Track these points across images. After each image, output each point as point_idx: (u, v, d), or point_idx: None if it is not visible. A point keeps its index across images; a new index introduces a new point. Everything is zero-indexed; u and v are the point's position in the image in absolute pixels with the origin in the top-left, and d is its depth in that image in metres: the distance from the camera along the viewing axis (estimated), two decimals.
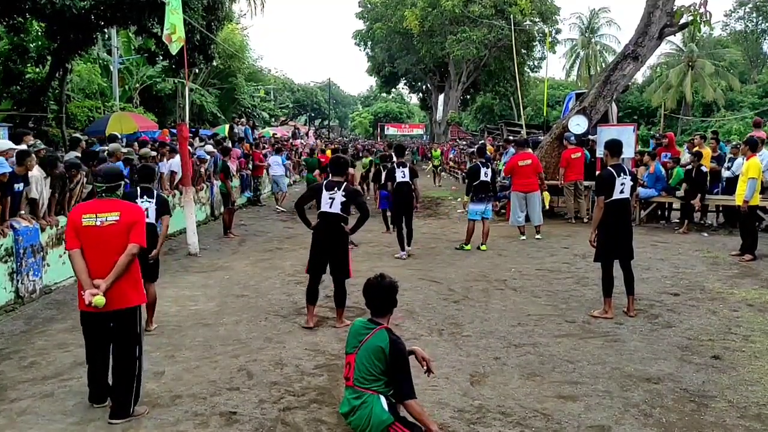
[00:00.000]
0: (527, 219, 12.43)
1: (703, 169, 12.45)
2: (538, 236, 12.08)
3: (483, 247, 11.00)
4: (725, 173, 12.96)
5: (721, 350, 5.88)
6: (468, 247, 11.07)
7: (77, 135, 13.12)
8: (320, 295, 7.02)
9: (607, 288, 7.01)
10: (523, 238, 12.08)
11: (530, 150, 13.00)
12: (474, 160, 11.59)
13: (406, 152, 20.12)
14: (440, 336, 6.49)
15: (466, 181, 11.38)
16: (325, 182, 6.83)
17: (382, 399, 3.91)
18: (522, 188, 12.20)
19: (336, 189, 6.64)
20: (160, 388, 5.14)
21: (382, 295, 4.09)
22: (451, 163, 29.91)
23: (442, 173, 29.19)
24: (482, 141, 25.83)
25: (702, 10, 13.62)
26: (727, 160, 13.25)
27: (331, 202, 6.62)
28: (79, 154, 9.89)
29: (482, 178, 10.96)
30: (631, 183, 6.92)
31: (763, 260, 9.70)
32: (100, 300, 4.33)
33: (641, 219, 13.45)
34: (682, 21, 13.91)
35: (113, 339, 4.60)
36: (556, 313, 7.26)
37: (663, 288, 8.25)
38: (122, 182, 4.77)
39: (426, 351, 5.53)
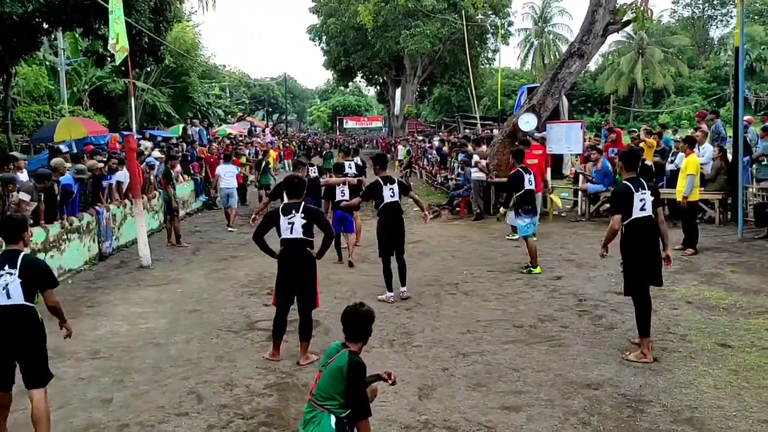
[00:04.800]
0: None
1: (647, 163, 12.80)
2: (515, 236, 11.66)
3: (528, 269, 9.54)
4: (669, 166, 13.35)
5: (659, 351, 6.10)
6: (538, 270, 9.41)
7: (13, 153, 12.82)
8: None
9: (645, 325, 6.00)
10: (517, 237, 11.53)
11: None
12: (514, 166, 9.90)
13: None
14: (391, 347, 6.58)
15: (507, 190, 9.64)
16: (281, 206, 6.29)
17: (332, 418, 3.99)
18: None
19: (294, 212, 6.14)
20: (107, 417, 5.12)
21: (355, 323, 4.22)
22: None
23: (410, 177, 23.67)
24: (438, 137, 26.00)
25: (643, 7, 13.97)
26: (671, 154, 13.65)
27: (291, 227, 6.13)
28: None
29: (527, 186, 9.54)
30: (652, 198, 6.02)
31: (704, 254, 10.06)
32: None
33: (590, 214, 13.80)
34: (625, 18, 14.26)
35: None
36: (504, 317, 7.42)
37: (608, 287, 8.51)
38: None
39: (376, 364, 5.72)
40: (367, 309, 4.30)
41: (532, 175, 9.77)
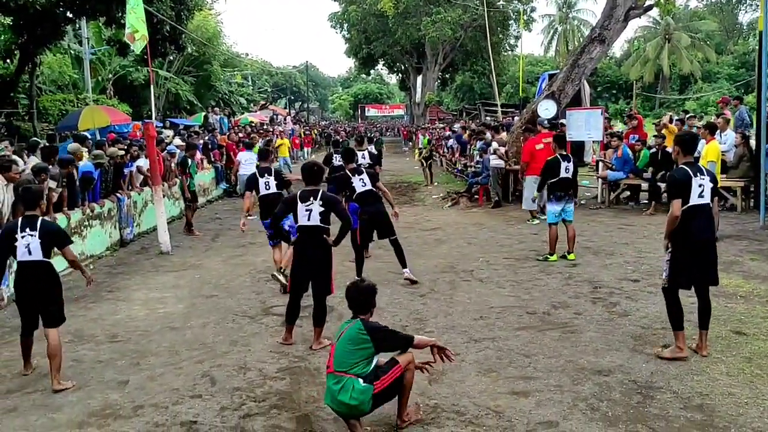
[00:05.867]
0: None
1: (668, 150, 12.63)
2: (536, 222, 12.21)
3: (571, 256, 9.33)
4: None
5: (672, 339, 6.03)
6: (554, 258, 9.30)
7: (35, 138, 13.03)
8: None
9: (677, 319, 5.66)
10: (537, 221, 12.17)
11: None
12: (555, 151, 9.51)
13: (364, 144, 18.71)
14: None
15: (541, 175, 9.58)
16: (299, 192, 6.32)
17: (359, 380, 4.37)
18: (538, 173, 11.76)
19: (312, 199, 6.16)
20: (123, 399, 5.24)
21: (359, 296, 4.65)
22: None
23: (432, 167, 21.49)
24: (458, 124, 25.85)
25: None
26: None
27: (309, 214, 6.16)
28: (40, 160, 9.78)
29: (562, 174, 9.18)
30: (712, 184, 5.62)
31: (724, 241, 9.88)
32: None
33: (610, 201, 13.68)
34: (647, 3, 14.05)
35: None
36: (518, 304, 7.42)
37: (624, 274, 8.44)
38: None
39: None
40: (368, 283, 4.76)
41: (570, 162, 9.41)
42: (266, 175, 8.49)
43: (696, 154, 12.46)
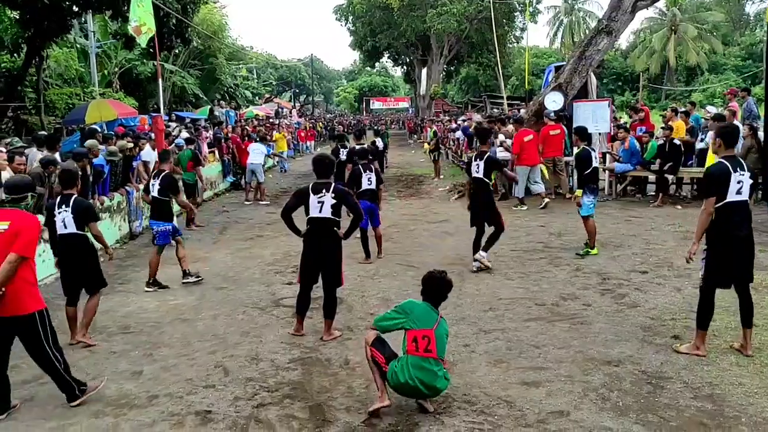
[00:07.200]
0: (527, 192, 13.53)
1: (676, 142, 12.63)
2: (546, 202, 13.09)
3: (585, 250, 9.32)
4: (699, 144, 13.13)
5: (682, 330, 6.09)
6: (595, 251, 9.20)
7: (42, 132, 13.09)
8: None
9: (705, 318, 5.54)
10: (525, 208, 13.10)
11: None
12: (580, 144, 9.37)
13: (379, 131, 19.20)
14: None
15: (576, 170, 9.57)
16: (311, 185, 6.31)
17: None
18: (528, 162, 13.29)
19: (324, 191, 6.19)
20: (137, 389, 5.30)
21: (444, 289, 4.91)
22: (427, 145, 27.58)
23: (440, 160, 21.09)
24: (463, 117, 25.81)
25: None
26: (701, 132, 13.42)
27: (321, 206, 6.18)
28: (45, 152, 9.86)
29: (594, 164, 9.23)
30: (751, 181, 5.39)
31: None
32: None
33: (617, 193, 13.68)
34: None
35: (24, 345, 4.89)
36: (527, 296, 7.45)
37: (633, 266, 8.47)
38: (28, 194, 5.38)
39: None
40: (449, 278, 4.99)
41: (596, 153, 9.42)
42: (156, 177, 8.54)
43: (703, 146, 12.56)
